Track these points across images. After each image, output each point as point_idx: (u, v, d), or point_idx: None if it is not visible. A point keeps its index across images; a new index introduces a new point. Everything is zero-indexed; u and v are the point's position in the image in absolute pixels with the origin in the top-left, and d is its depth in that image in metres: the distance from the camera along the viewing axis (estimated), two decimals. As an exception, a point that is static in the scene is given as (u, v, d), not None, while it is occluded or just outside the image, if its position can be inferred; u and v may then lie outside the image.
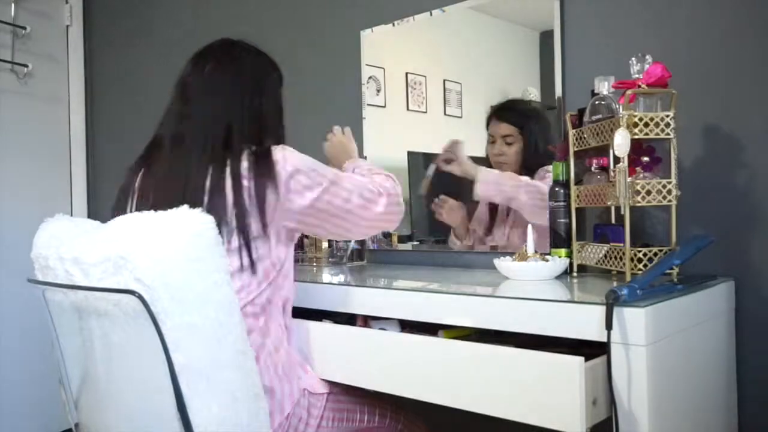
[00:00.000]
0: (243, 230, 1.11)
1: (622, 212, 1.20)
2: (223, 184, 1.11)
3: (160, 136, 1.25)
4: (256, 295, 1.14)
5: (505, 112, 1.71)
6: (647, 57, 1.23)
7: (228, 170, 1.12)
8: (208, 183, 1.12)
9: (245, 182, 1.12)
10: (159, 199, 1.15)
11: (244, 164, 1.13)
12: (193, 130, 1.19)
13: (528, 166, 1.66)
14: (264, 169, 1.12)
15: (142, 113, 2.74)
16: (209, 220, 0.95)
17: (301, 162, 1.16)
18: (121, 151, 2.82)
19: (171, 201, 1.08)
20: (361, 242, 1.84)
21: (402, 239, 1.91)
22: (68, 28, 2.84)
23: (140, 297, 0.86)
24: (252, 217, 1.12)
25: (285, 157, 1.14)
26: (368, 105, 1.96)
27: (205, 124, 1.18)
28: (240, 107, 1.21)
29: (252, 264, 1.13)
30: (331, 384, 1.27)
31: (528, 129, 1.68)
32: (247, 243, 1.11)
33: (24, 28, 2.64)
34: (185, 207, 0.95)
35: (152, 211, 0.96)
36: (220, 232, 1.05)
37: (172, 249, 0.91)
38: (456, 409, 1.68)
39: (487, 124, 1.74)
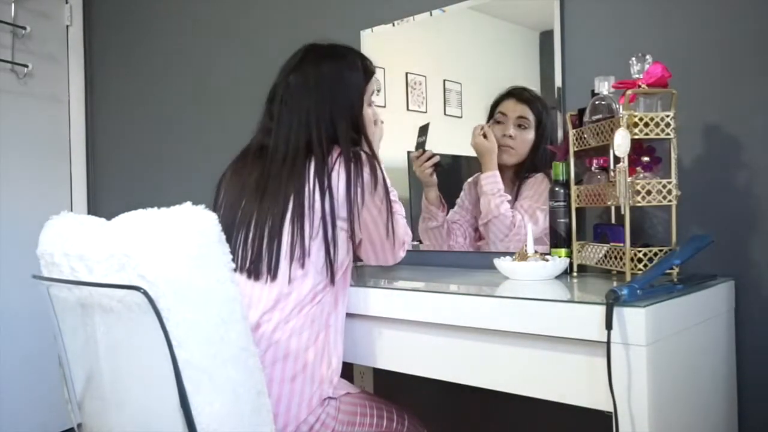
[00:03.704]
0: (333, 245, 1.21)
1: (622, 212, 1.20)
2: (311, 194, 1.21)
3: (249, 145, 1.37)
4: (329, 290, 1.24)
5: (525, 93, 1.64)
6: (647, 57, 1.23)
7: (315, 179, 1.21)
8: (291, 196, 1.22)
9: (335, 191, 1.21)
10: (238, 202, 1.28)
11: (334, 174, 1.22)
12: (274, 148, 1.28)
13: (525, 166, 1.66)
14: (354, 172, 1.22)
15: (142, 113, 2.75)
16: (213, 218, 0.95)
17: (382, 178, 1.27)
18: (121, 151, 2.82)
19: (251, 209, 1.25)
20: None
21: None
22: (68, 28, 2.84)
23: (145, 293, 0.87)
24: (343, 223, 1.23)
25: (373, 166, 1.25)
26: (368, 105, 1.96)
27: (287, 143, 1.27)
28: (315, 126, 1.27)
29: (333, 279, 1.22)
30: (341, 387, 1.28)
31: (543, 122, 1.62)
32: (327, 243, 1.21)
33: (24, 28, 2.64)
34: (188, 203, 0.96)
35: (155, 209, 0.96)
36: (303, 251, 1.19)
37: (176, 246, 0.91)
38: (456, 412, 1.69)
39: (495, 105, 1.70)
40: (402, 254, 1.39)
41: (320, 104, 1.29)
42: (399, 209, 1.44)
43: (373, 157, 1.27)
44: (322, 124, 1.27)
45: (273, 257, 1.21)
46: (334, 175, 1.22)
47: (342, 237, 1.24)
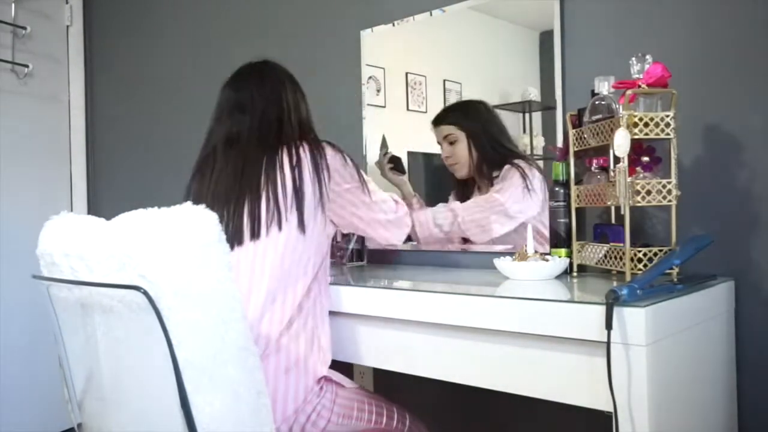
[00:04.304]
0: (299, 199, 1.25)
1: (622, 212, 1.20)
2: (281, 166, 1.26)
3: (212, 147, 1.38)
4: (307, 260, 1.27)
5: (439, 117, 1.79)
6: (647, 57, 1.23)
7: (285, 154, 1.28)
8: (263, 168, 1.26)
9: (303, 162, 1.27)
10: (216, 193, 1.30)
11: (301, 150, 1.28)
12: (249, 129, 1.33)
13: (481, 168, 1.71)
14: (318, 155, 1.29)
15: (142, 113, 2.75)
16: (213, 217, 0.96)
17: (345, 160, 1.34)
18: (121, 151, 2.82)
19: (227, 192, 1.27)
20: (361, 242, 1.84)
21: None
22: (68, 28, 2.85)
23: (145, 293, 0.87)
24: (309, 188, 1.26)
25: (336, 151, 1.32)
26: (368, 105, 1.96)
27: (261, 121, 1.34)
28: (286, 106, 1.37)
29: (304, 229, 1.25)
30: (339, 382, 1.29)
31: (467, 125, 1.73)
32: (300, 209, 1.25)
33: (24, 28, 2.64)
34: (188, 203, 0.96)
35: (156, 208, 0.97)
36: (279, 212, 1.23)
37: (176, 246, 0.91)
38: (457, 412, 1.69)
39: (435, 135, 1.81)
40: (395, 231, 1.45)
41: (286, 94, 1.38)
42: (385, 197, 1.47)
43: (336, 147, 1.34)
44: (291, 111, 1.37)
45: (256, 221, 1.24)
46: (303, 163, 1.27)
47: (314, 212, 1.28)
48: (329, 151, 1.31)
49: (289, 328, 1.22)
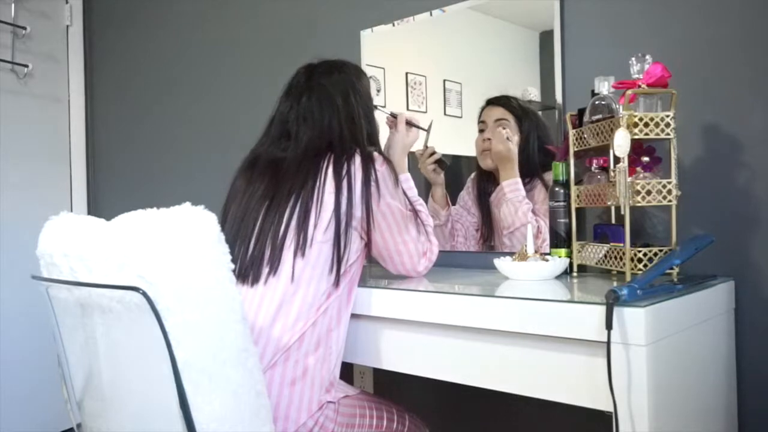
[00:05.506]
0: (339, 235, 1.22)
1: (622, 212, 1.20)
2: (317, 181, 1.23)
3: (258, 156, 1.36)
4: (334, 298, 1.24)
5: (500, 99, 1.71)
6: (647, 57, 1.23)
7: (325, 170, 1.25)
8: (298, 185, 1.24)
9: (352, 179, 1.24)
10: (245, 221, 1.28)
11: (349, 166, 1.24)
12: (294, 156, 1.30)
13: (526, 168, 1.65)
14: (367, 172, 1.25)
15: (142, 113, 2.75)
16: (212, 218, 0.96)
17: (391, 178, 1.30)
18: (121, 151, 2.82)
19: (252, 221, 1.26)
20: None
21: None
22: (68, 28, 2.85)
23: (144, 293, 0.87)
24: (354, 213, 1.24)
25: (384, 168, 1.28)
26: (368, 105, 1.96)
27: (306, 150, 1.30)
28: (338, 128, 1.32)
29: (339, 265, 1.23)
30: (340, 390, 1.28)
31: (523, 121, 1.66)
32: (339, 241, 1.22)
33: (24, 28, 2.64)
34: (188, 204, 0.96)
35: (155, 209, 0.97)
36: (307, 219, 1.20)
37: (175, 246, 0.91)
38: (457, 412, 1.69)
39: (479, 115, 1.74)
40: (423, 264, 1.38)
41: (340, 113, 1.33)
42: (426, 220, 1.44)
43: (389, 160, 1.31)
44: (344, 131, 1.31)
45: (276, 250, 1.21)
46: (352, 170, 1.24)
47: (355, 237, 1.25)
48: (383, 168, 1.27)
49: (301, 338, 1.19)
